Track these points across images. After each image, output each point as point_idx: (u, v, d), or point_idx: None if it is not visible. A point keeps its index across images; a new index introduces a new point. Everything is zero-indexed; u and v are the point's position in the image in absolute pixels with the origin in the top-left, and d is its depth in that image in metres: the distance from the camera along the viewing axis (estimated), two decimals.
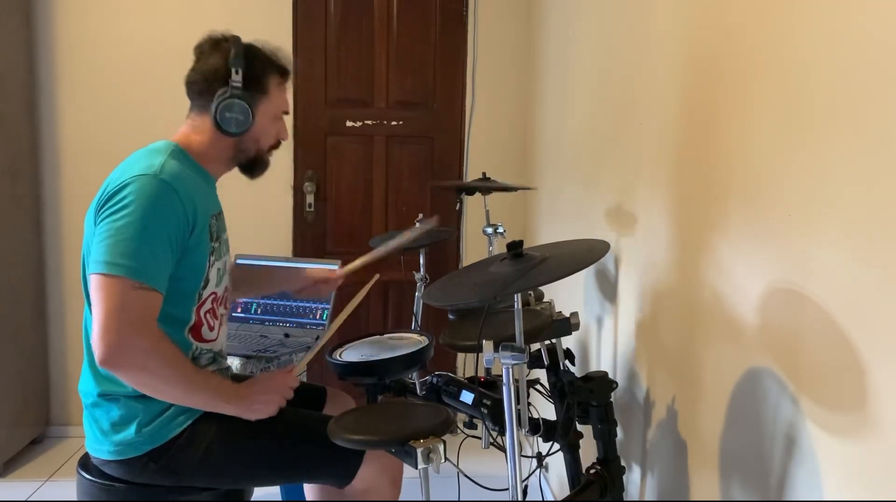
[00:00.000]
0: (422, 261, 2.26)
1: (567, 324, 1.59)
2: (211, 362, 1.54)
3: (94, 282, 1.31)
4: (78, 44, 3.01)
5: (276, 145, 1.60)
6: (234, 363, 1.92)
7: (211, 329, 1.52)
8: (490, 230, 2.16)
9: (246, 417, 1.43)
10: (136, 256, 1.31)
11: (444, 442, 1.23)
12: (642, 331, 1.75)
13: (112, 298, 1.29)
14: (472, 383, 1.71)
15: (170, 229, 1.36)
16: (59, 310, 3.11)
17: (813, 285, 1.02)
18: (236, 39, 1.49)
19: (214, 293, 1.51)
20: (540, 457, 1.64)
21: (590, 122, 2.21)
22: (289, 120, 3.08)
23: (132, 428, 1.40)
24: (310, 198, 3.19)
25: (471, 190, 2.27)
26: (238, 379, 1.70)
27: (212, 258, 1.49)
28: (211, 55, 1.48)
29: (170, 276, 1.38)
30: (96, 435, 1.44)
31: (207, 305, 1.50)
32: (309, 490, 1.70)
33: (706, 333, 1.38)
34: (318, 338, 2.12)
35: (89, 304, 1.43)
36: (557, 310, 1.66)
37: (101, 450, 1.43)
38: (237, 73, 1.45)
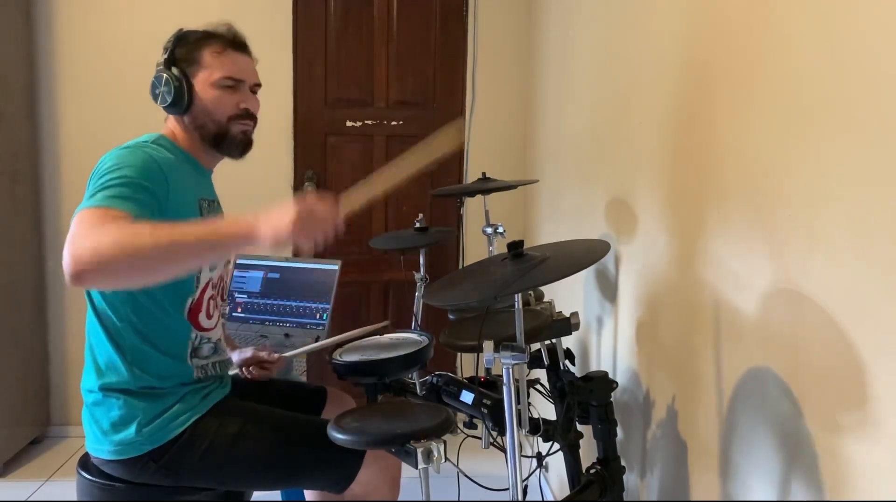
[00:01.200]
0: (422, 261, 2.26)
1: (567, 324, 1.59)
2: (213, 352, 1.55)
3: (73, 220, 1.20)
4: (78, 43, 3.01)
5: (244, 115, 1.54)
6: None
7: (209, 317, 1.53)
8: (490, 230, 2.15)
9: (276, 239, 1.16)
10: (120, 197, 1.24)
11: (444, 442, 1.23)
12: (642, 331, 1.75)
13: (82, 222, 1.18)
14: (472, 383, 1.70)
15: (146, 176, 1.32)
16: (59, 310, 3.11)
17: (813, 285, 1.02)
18: (178, 30, 1.55)
19: (210, 279, 1.53)
20: (540, 457, 1.64)
21: (589, 121, 2.21)
22: (289, 120, 3.13)
23: (132, 428, 1.40)
24: None
25: (471, 192, 2.27)
26: (236, 380, 1.70)
27: None
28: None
29: None
30: (96, 435, 1.44)
31: (209, 291, 1.52)
32: (309, 492, 1.70)
33: (706, 333, 1.38)
34: (317, 338, 2.12)
35: (91, 304, 1.44)
36: (557, 309, 1.66)
37: (101, 450, 1.43)
38: (164, 53, 1.51)
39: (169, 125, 1.56)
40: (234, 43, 1.56)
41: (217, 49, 1.54)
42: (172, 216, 1.35)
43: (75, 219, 1.20)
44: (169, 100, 1.49)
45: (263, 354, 1.74)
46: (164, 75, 1.50)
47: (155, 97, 1.52)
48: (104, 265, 1.11)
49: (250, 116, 1.56)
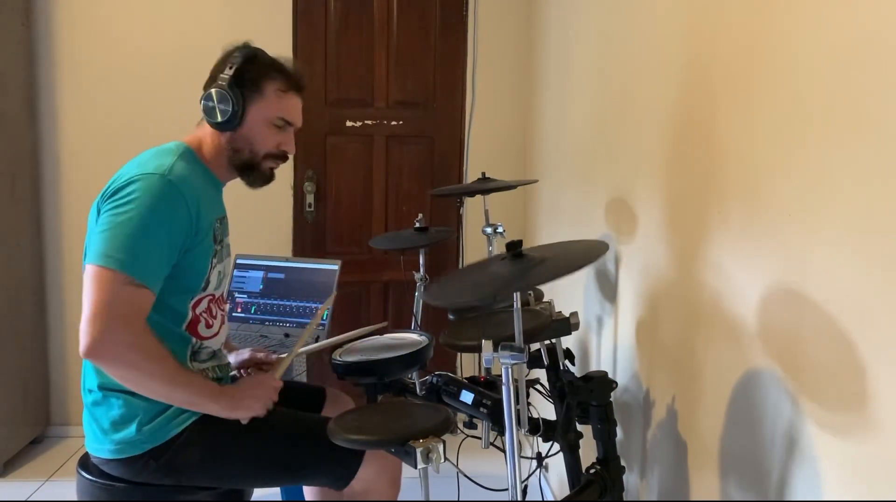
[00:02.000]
0: (422, 261, 2.26)
1: (567, 324, 1.59)
2: (211, 357, 1.54)
3: (88, 273, 1.32)
4: (78, 44, 3.01)
5: (279, 156, 1.58)
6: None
7: (209, 326, 1.52)
8: (490, 230, 2.15)
9: (233, 416, 1.43)
10: (133, 252, 1.31)
11: (444, 442, 1.23)
12: (642, 331, 1.75)
13: (102, 290, 1.29)
14: (472, 383, 1.70)
15: (171, 230, 1.37)
16: (59, 310, 3.11)
17: (813, 285, 1.02)
18: (245, 47, 1.52)
19: (212, 295, 1.53)
20: (540, 457, 1.64)
21: (589, 121, 2.21)
22: None
23: (132, 427, 1.40)
24: (310, 198, 3.19)
25: (471, 192, 2.27)
26: (236, 380, 1.70)
27: (213, 261, 1.50)
28: (222, 58, 1.53)
29: (171, 276, 1.39)
30: (96, 434, 1.44)
31: (203, 305, 1.51)
32: (308, 490, 1.70)
33: (706, 333, 1.38)
34: (318, 338, 2.12)
35: None
36: (557, 309, 1.65)
37: (101, 449, 1.43)
38: (231, 68, 1.48)
39: (199, 135, 1.55)
40: (298, 86, 1.57)
41: (282, 87, 1.54)
42: (192, 246, 1.41)
43: (95, 278, 1.31)
44: (222, 119, 1.48)
45: (261, 355, 1.74)
46: (226, 94, 1.47)
47: (207, 110, 1.48)
48: (120, 371, 1.34)
49: (284, 158, 1.59)
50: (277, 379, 1.53)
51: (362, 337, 1.82)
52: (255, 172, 1.57)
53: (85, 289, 1.31)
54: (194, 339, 1.49)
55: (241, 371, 1.75)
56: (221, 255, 1.54)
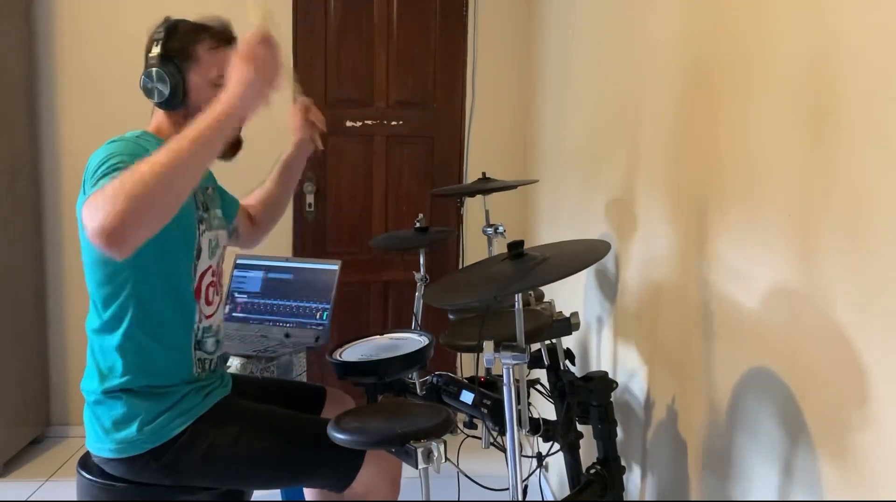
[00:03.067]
0: (422, 261, 2.26)
1: (567, 324, 1.59)
2: (216, 347, 1.56)
3: (85, 205, 1.13)
4: (78, 44, 3.01)
5: None
6: (234, 363, 1.92)
7: (209, 303, 1.54)
8: (490, 230, 2.15)
9: (247, 103, 1.25)
10: (108, 178, 1.23)
11: (445, 442, 1.23)
12: (642, 331, 1.75)
13: (97, 196, 1.11)
14: (472, 383, 1.71)
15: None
16: (59, 310, 3.11)
17: (812, 285, 1.02)
18: (165, 21, 1.52)
19: (210, 266, 1.54)
20: (540, 457, 1.64)
21: (590, 121, 2.21)
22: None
23: (134, 427, 1.40)
24: (310, 198, 3.19)
25: (471, 192, 2.27)
26: (237, 379, 1.70)
27: (201, 227, 1.50)
28: (148, 43, 1.52)
29: (162, 236, 1.21)
30: (97, 434, 1.44)
31: (208, 278, 1.53)
32: (309, 491, 1.70)
33: (706, 333, 1.38)
34: (318, 338, 2.12)
35: (93, 300, 1.44)
36: (558, 310, 1.66)
37: (101, 449, 1.43)
38: (157, 45, 1.48)
39: (156, 120, 1.54)
40: (227, 39, 1.54)
41: (211, 45, 1.52)
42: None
43: (84, 210, 1.12)
44: (165, 96, 1.47)
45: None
46: (160, 70, 1.46)
47: (148, 92, 1.48)
48: (130, 221, 1.08)
49: None
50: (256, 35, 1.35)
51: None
52: None
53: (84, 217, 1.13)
54: (198, 317, 1.49)
55: (252, 370, 1.75)
56: (210, 224, 1.54)
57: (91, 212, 1.09)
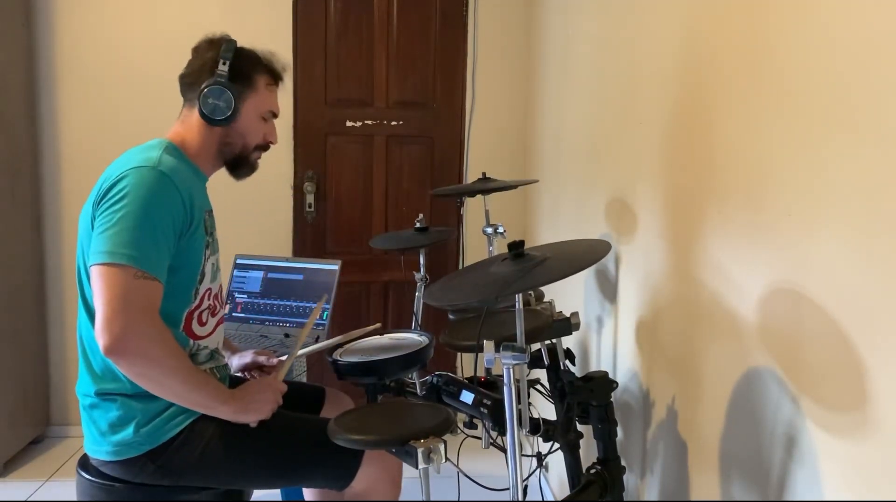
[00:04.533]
0: (422, 261, 2.26)
1: (567, 324, 1.59)
2: (209, 359, 1.54)
3: (96, 273, 1.30)
4: (78, 44, 3.01)
5: (264, 147, 1.60)
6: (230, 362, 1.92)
7: (202, 324, 1.52)
8: (490, 230, 2.15)
9: (241, 420, 1.43)
10: (138, 246, 1.31)
11: (445, 442, 1.23)
12: (642, 331, 1.75)
13: (116, 287, 1.28)
14: (472, 383, 1.70)
15: (170, 219, 1.37)
16: (59, 310, 3.11)
17: (813, 285, 1.02)
18: (230, 39, 1.53)
19: (209, 289, 1.53)
20: (540, 457, 1.64)
21: (589, 121, 2.21)
22: (289, 120, 3.13)
23: (130, 429, 1.40)
24: (310, 198, 3.19)
25: (471, 192, 2.27)
26: (235, 380, 1.70)
27: (207, 252, 1.50)
28: (205, 52, 1.53)
29: (168, 268, 1.38)
30: (94, 436, 1.44)
31: (207, 302, 1.51)
32: (308, 491, 1.70)
33: (706, 333, 1.38)
34: (318, 338, 2.12)
35: (84, 303, 1.44)
36: (558, 310, 1.66)
37: (99, 451, 1.43)
38: (224, 63, 1.48)
39: (181, 130, 1.54)
40: (281, 78, 1.60)
41: (269, 81, 1.57)
42: (187, 235, 1.41)
43: (106, 277, 1.29)
44: (222, 116, 1.48)
45: (262, 359, 1.74)
46: (225, 89, 1.48)
47: (206, 106, 1.48)
48: (142, 367, 1.32)
49: (268, 148, 1.62)
50: (281, 383, 1.53)
51: (359, 338, 1.82)
52: (244, 164, 1.59)
53: (96, 290, 1.30)
54: (191, 341, 1.49)
55: (246, 373, 1.75)
56: (214, 247, 1.55)
57: (117, 303, 1.27)
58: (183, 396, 1.38)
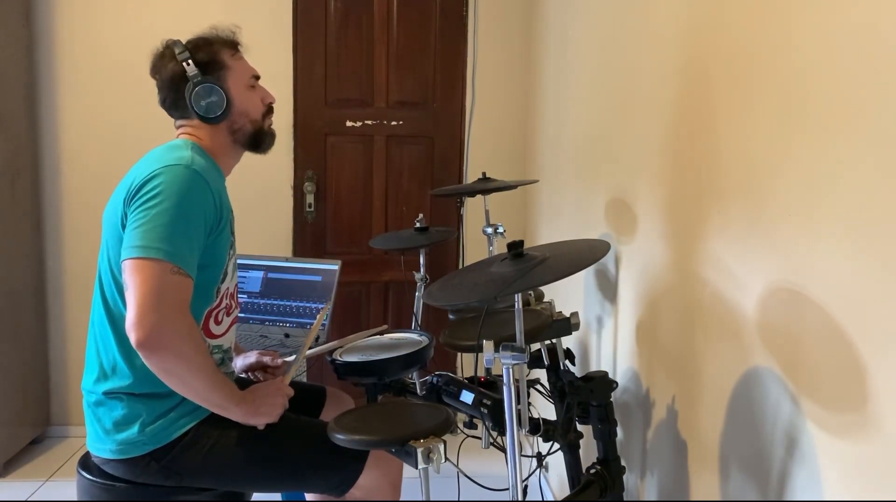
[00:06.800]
0: (422, 261, 2.26)
1: (567, 324, 1.59)
2: (220, 364, 1.54)
3: (129, 267, 1.30)
4: (78, 44, 3.01)
5: (269, 110, 1.61)
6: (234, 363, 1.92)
7: (217, 322, 1.52)
8: (490, 230, 2.16)
9: (251, 422, 1.43)
10: (173, 241, 1.31)
11: (445, 442, 1.23)
12: (642, 331, 1.75)
13: (150, 280, 1.28)
14: (472, 383, 1.71)
15: (202, 218, 1.37)
16: (59, 310, 3.11)
17: (813, 284, 1.02)
18: (174, 41, 1.53)
19: (227, 287, 1.53)
20: (540, 457, 1.64)
21: (589, 121, 2.21)
22: (289, 120, 3.13)
23: (135, 428, 1.40)
24: (310, 198, 3.19)
25: (471, 192, 2.27)
26: (239, 381, 1.70)
27: (230, 252, 1.51)
28: (165, 66, 1.52)
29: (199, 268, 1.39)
30: (98, 434, 1.44)
31: (225, 301, 1.52)
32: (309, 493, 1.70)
33: (706, 333, 1.38)
34: (318, 338, 2.12)
35: (102, 299, 1.44)
36: (557, 310, 1.66)
37: (102, 449, 1.43)
38: (189, 63, 1.48)
39: (192, 132, 1.54)
40: (236, 43, 1.59)
41: (232, 52, 1.56)
42: (216, 234, 1.42)
43: (140, 270, 1.29)
44: (221, 109, 1.49)
45: (266, 359, 1.74)
46: (208, 85, 1.48)
47: (202, 110, 1.49)
48: (172, 363, 1.31)
49: (272, 110, 1.62)
50: (288, 386, 1.54)
51: (364, 338, 1.82)
52: (264, 136, 1.60)
53: (129, 285, 1.29)
54: (207, 340, 1.49)
55: (250, 373, 1.75)
56: (235, 248, 1.56)
57: (152, 297, 1.27)
58: (202, 394, 1.37)
